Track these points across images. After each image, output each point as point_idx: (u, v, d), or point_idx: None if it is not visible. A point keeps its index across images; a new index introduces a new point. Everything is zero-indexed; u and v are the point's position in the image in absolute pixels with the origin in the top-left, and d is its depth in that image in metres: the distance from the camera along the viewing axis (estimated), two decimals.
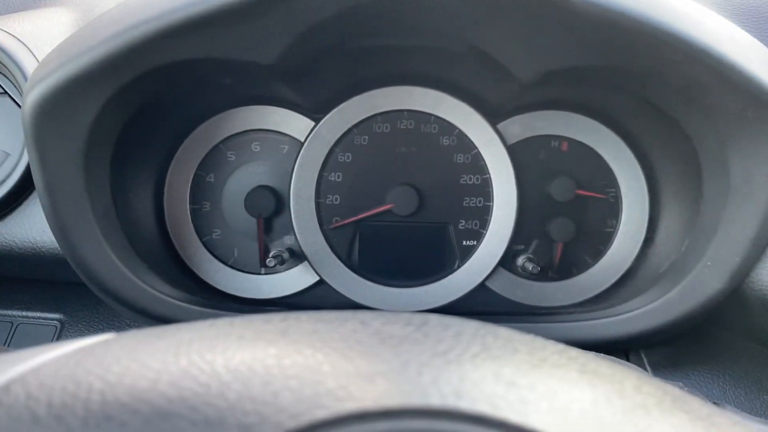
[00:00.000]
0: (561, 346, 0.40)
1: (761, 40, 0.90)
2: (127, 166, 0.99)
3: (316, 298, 1.15)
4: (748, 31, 0.91)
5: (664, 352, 1.03)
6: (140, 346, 0.38)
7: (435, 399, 0.31)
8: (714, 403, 0.65)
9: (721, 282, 0.89)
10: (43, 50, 1.01)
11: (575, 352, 0.40)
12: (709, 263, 0.89)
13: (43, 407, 0.32)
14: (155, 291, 0.97)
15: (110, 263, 0.93)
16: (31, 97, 0.82)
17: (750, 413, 0.94)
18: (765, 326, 0.95)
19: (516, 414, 0.30)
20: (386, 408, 0.30)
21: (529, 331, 0.96)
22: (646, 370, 1.01)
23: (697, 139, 0.89)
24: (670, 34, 0.74)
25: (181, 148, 1.13)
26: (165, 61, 0.82)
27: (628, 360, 1.04)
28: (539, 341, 0.40)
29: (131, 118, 0.92)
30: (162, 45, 0.79)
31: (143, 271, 0.99)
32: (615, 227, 1.13)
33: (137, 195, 1.06)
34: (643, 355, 1.03)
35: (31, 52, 1.00)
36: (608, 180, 1.12)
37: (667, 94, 0.86)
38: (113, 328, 1.09)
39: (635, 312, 0.95)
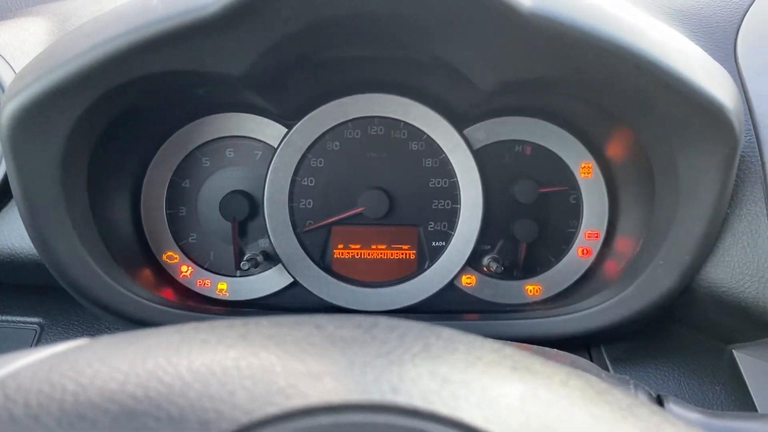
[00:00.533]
0: (499, 345, 0.44)
1: (705, 43, 0.95)
2: (104, 173, 1.01)
3: (291, 299, 1.18)
4: (697, 40, 0.96)
5: (623, 346, 1.07)
6: (111, 351, 0.41)
7: (374, 395, 0.34)
8: (658, 395, 0.69)
9: (672, 280, 0.93)
10: (20, 61, 1.03)
11: (511, 350, 0.43)
12: (661, 262, 0.93)
13: (21, 408, 0.35)
14: (134, 295, 0.99)
15: (89, 269, 0.96)
16: (8, 109, 0.84)
17: (702, 404, 0.99)
18: (716, 320, 1.00)
19: (446, 407, 0.34)
20: (329, 403, 0.34)
21: (494, 327, 1.01)
22: (606, 364, 1.05)
23: (649, 144, 0.93)
24: (619, 47, 0.78)
25: (157, 155, 1.15)
26: (139, 74, 0.84)
27: (589, 355, 1.08)
28: (479, 341, 0.44)
29: (107, 128, 0.94)
30: (136, 58, 0.82)
31: (121, 276, 1.01)
32: (576, 228, 1.17)
33: (114, 201, 1.08)
34: (603, 350, 1.07)
35: (7, 63, 1.02)
36: (569, 182, 1.17)
37: (619, 102, 0.90)
38: (93, 332, 1.11)
39: (594, 308, 1.00)
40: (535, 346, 0.78)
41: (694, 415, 0.64)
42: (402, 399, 0.34)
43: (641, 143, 0.95)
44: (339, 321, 0.44)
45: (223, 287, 1.18)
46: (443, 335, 0.43)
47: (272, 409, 0.33)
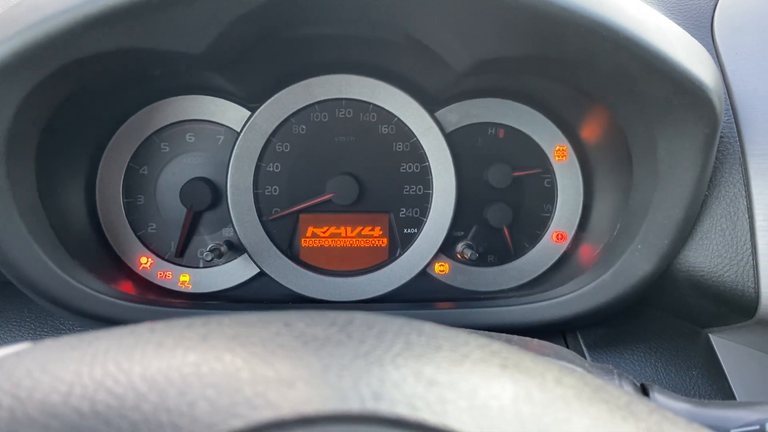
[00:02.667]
0: (484, 340, 0.40)
1: (682, 22, 0.93)
2: (54, 159, 0.95)
3: (257, 291, 1.14)
4: (674, 18, 0.94)
5: (599, 332, 1.06)
6: (54, 357, 0.36)
7: (354, 403, 0.31)
8: (642, 384, 0.67)
9: (650, 264, 0.92)
10: None
11: (498, 346, 0.40)
12: (639, 246, 0.92)
13: None
14: (88, 288, 0.94)
15: (38, 261, 0.90)
16: None
17: (679, 389, 0.98)
18: (692, 304, 0.99)
19: (434, 415, 0.31)
20: (303, 415, 0.29)
21: (469, 315, 0.99)
22: (582, 350, 1.03)
23: (627, 125, 0.92)
24: (598, 24, 0.75)
25: (112, 140, 1.10)
26: (89, 53, 0.78)
27: (565, 341, 1.07)
28: (463, 336, 0.40)
29: (56, 110, 0.89)
30: (84, 35, 0.76)
31: (75, 269, 0.96)
32: (551, 212, 1.16)
33: (66, 189, 1.03)
34: (579, 336, 1.06)
35: None
36: (544, 166, 1.15)
37: (597, 81, 0.88)
38: (46, 328, 1.05)
39: (571, 295, 0.98)
40: (516, 336, 0.75)
41: (681, 405, 0.62)
42: (385, 407, 0.31)
43: (619, 124, 0.93)
44: (311, 318, 0.40)
45: (185, 279, 1.14)
46: (425, 331, 0.39)
47: (237, 423, 0.29)
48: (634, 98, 0.85)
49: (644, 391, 0.65)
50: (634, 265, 0.93)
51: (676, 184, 0.87)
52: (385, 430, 0.30)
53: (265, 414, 0.29)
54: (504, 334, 0.73)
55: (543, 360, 0.40)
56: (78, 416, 0.31)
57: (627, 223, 0.96)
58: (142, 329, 0.39)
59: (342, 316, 0.40)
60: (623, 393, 0.39)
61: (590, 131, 1.08)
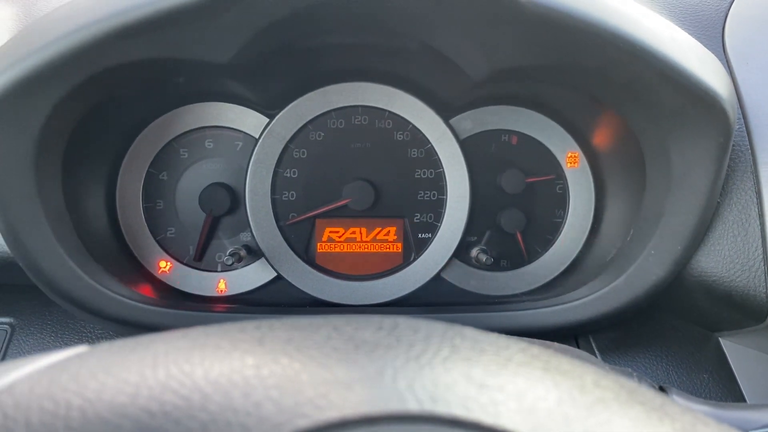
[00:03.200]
0: (523, 344, 0.42)
1: (693, 32, 0.95)
2: (78, 166, 0.97)
3: (275, 294, 1.15)
4: (685, 29, 0.96)
5: (611, 336, 1.07)
6: (115, 360, 0.38)
7: (412, 404, 0.32)
8: (661, 387, 0.69)
9: (663, 269, 0.93)
10: None
11: (537, 350, 0.42)
12: (652, 252, 0.93)
13: (22, 428, 0.32)
14: (111, 292, 0.95)
15: (64, 265, 0.92)
16: None
17: (691, 392, 0.99)
18: (704, 309, 1.00)
19: (488, 415, 0.32)
20: (366, 415, 0.31)
21: (483, 319, 1.00)
22: (594, 354, 1.05)
23: (641, 133, 0.93)
24: (615, 35, 0.77)
25: (133, 146, 1.11)
26: (117, 62, 0.80)
27: (577, 344, 1.08)
28: (503, 340, 0.42)
29: (83, 118, 0.90)
30: (114, 46, 0.78)
31: (98, 272, 0.97)
32: (563, 217, 1.17)
33: (89, 195, 1.04)
34: (591, 340, 1.07)
35: None
36: (556, 172, 1.16)
37: (612, 90, 0.90)
38: (67, 332, 1.07)
39: (584, 299, 0.99)
40: (537, 340, 0.76)
41: (700, 407, 0.64)
42: (442, 408, 0.32)
43: (632, 132, 0.94)
44: (358, 322, 0.41)
45: (203, 283, 1.14)
46: (467, 335, 0.41)
47: (304, 423, 0.31)
48: (648, 107, 0.86)
49: (664, 393, 0.67)
50: (648, 270, 0.94)
51: (690, 190, 0.88)
52: (442, 430, 0.31)
53: (330, 414, 0.31)
54: (524, 338, 0.75)
55: (579, 363, 0.42)
56: (148, 416, 0.32)
57: (640, 229, 0.98)
58: (196, 333, 0.41)
59: (387, 320, 0.42)
60: (657, 395, 0.41)
61: (602, 138, 1.10)
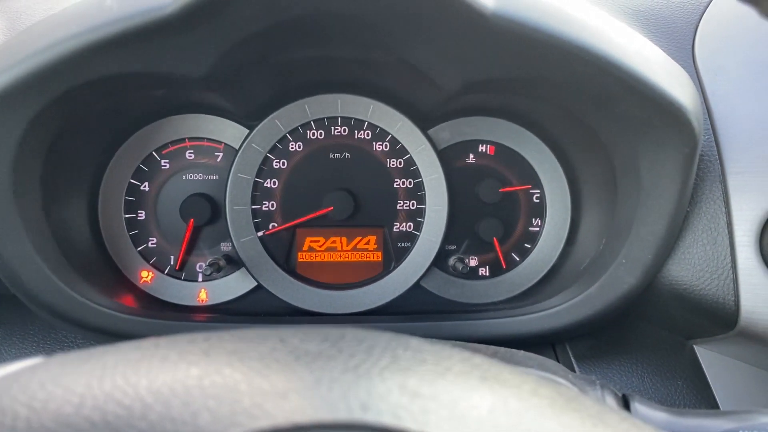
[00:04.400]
0: (467, 354, 0.43)
1: (664, 43, 0.96)
2: (59, 177, 0.97)
3: (255, 303, 1.16)
4: (656, 41, 0.98)
5: (587, 343, 1.08)
6: (66, 371, 0.39)
7: (342, 413, 0.33)
8: (624, 395, 0.69)
9: (635, 277, 0.95)
10: None
11: (480, 359, 0.43)
12: (623, 260, 0.94)
13: None
14: (92, 303, 0.96)
15: (43, 276, 0.92)
16: None
17: (665, 399, 1.00)
18: (677, 316, 1.01)
19: (416, 423, 0.34)
20: (297, 423, 0.32)
21: (461, 327, 1.01)
22: (570, 361, 1.06)
23: (611, 144, 0.94)
24: (581, 49, 0.78)
25: (114, 157, 1.12)
26: (95, 76, 0.81)
27: (554, 351, 1.09)
28: (447, 350, 0.43)
29: (61, 131, 0.91)
30: (91, 60, 0.79)
31: (79, 283, 0.98)
32: (540, 227, 1.18)
33: (70, 206, 1.05)
34: (568, 347, 1.08)
35: None
36: (533, 182, 1.18)
37: (582, 102, 0.91)
38: (50, 342, 1.07)
39: (559, 307, 1.00)
40: (503, 348, 0.77)
41: (659, 415, 0.65)
42: (371, 416, 0.34)
43: (603, 143, 0.95)
44: (305, 334, 0.43)
45: (184, 292, 1.15)
46: (411, 345, 0.42)
47: (237, 431, 0.32)
48: (616, 119, 0.88)
49: (625, 401, 0.68)
50: (619, 278, 0.95)
51: (658, 200, 0.89)
52: None
53: (263, 423, 0.32)
54: (491, 347, 0.76)
55: (522, 372, 0.43)
56: (90, 426, 0.34)
57: (612, 238, 0.99)
58: (148, 344, 0.42)
59: (334, 331, 0.43)
60: (596, 403, 0.42)
61: (577, 149, 1.11)
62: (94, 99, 0.91)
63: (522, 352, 0.75)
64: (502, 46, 0.80)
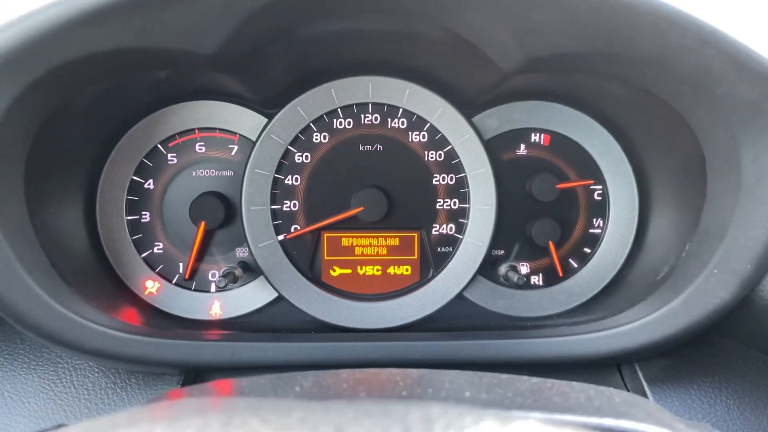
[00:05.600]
0: None
1: None
2: (47, 173, 0.89)
3: (275, 317, 1.09)
4: None
5: (659, 363, 0.98)
6: None
7: None
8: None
9: (729, 291, 0.84)
10: None
11: None
12: (715, 271, 0.84)
13: None
14: (87, 321, 0.86)
15: (27, 290, 0.82)
16: None
17: (755, 430, 0.88)
18: None
19: None
20: None
21: (513, 346, 0.90)
22: (641, 384, 0.94)
23: (703, 133, 0.84)
24: (682, 16, 0.68)
25: (114, 151, 1.06)
26: (81, 54, 0.71)
27: (620, 373, 0.98)
28: None
29: (48, 119, 0.82)
30: (74, 35, 0.69)
31: (72, 298, 0.88)
32: (602, 228, 1.11)
33: (63, 207, 0.96)
34: (637, 368, 0.98)
35: None
36: (594, 176, 1.10)
37: (671, 83, 0.80)
38: (41, 362, 0.96)
39: (632, 324, 0.90)
40: (580, 384, 0.64)
41: None
42: None
43: (692, 130, 0.85)
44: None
45: (195, 305, 1.07)
46: None
47: None
48: (715, 102, 0.77)
49: None
50: (709, 292, 0.85)
51: (763, 201, 0.79)
52: None
53: None
54: (576, 383, 0.63)
55: None
56: None
57: (699, 244, 0.89)
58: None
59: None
60: None
61: (647, 138, 1.02)
62: (85, 81, 0.81)
63: (624, 393, 0.62)
64: (582, 12, 0.70)
